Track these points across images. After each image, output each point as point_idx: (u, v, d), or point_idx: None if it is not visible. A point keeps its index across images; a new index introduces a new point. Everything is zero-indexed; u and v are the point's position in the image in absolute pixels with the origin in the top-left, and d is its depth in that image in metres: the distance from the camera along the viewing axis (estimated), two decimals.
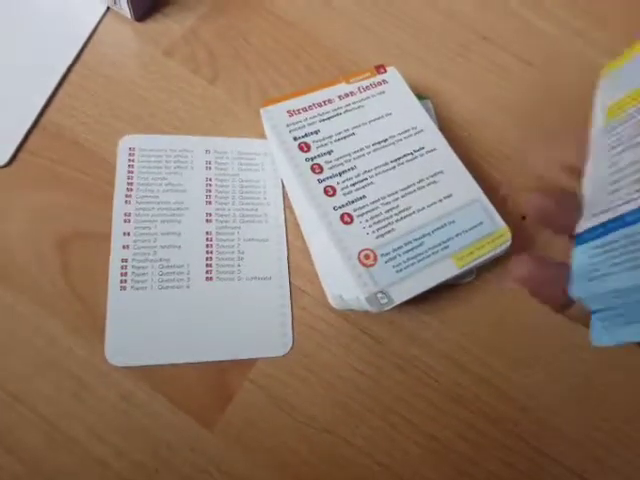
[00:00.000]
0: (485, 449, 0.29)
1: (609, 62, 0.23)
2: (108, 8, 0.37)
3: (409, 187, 0.32)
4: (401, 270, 0.29)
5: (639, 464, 0.30)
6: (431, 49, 0.41)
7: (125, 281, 0.30)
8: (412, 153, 0.33)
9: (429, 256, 0.29)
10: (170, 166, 0.33)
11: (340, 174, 0.31)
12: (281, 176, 0.34)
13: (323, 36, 0.39)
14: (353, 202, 0.31)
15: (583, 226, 0.20)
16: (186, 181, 0.33)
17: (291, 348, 0.30)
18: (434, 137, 0.34)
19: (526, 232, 0.35)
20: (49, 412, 0.27)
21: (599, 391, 0.31)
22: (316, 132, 0.33)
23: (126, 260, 0.30)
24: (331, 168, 0.32)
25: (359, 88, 0.35)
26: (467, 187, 0.32)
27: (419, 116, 0.34)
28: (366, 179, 0.31)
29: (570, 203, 0.21)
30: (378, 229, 0.30)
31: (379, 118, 0.34)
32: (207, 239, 0.32)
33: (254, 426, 0.28)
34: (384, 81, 0.35)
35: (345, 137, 0.33)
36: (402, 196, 0.31)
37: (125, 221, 0.31)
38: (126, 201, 0.32)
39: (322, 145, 0.32)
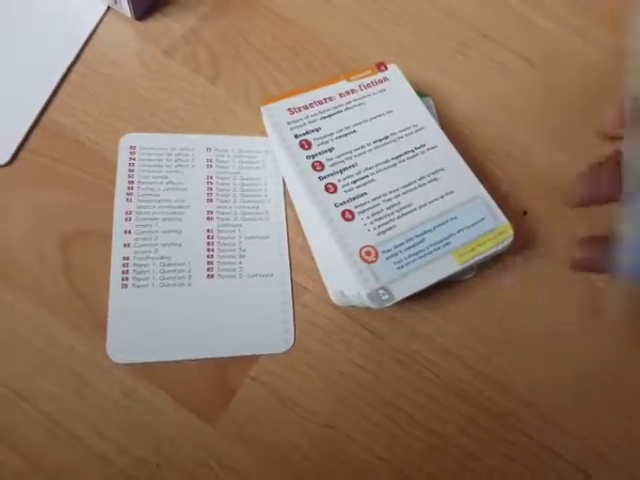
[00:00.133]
0: (487, 444, 0.29)
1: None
2: (109, 7, 0.38)
3: (410, 184, 0.32)
4: (402, 266, 0.29)
5: None
6: (431, 47, 0.41)
7: (126, 279, 0.30)
8: (413, 150, 0.33)
9: (430, 252, 0.30)
10: (171, 164, 0.33)
11: (341, 171, 0.31)
12: (282, 173, 0.34)
13: (323, 34, 0.40)
14: (354, 199, 0.31)
15: None
16: (187, 179, 0.33)
17: (293, 344, 0.30)
18: (435, 134, 0.34)
19: (528, 228, 0.35)
20: (51, 409, 0.27)
21: (602, 387, 0.31)
22: (317, 130, 0.33)
23: (127, 258, 0.30)
24: (332, 165, 0.32)
25: (360, 86, 0.35)
26: (468, 184, 0.32)
27: (420, 113, 0.34)
28: (367, 176, 0.31)
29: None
30: (379, 226, 0.30)
31: (380, 115, 0.34)
32: (208, 237, 0.32)
33: (256, 422, 0.28)
34: (385, 79, 0.35)
35: (346, 134, 0.33)
36: (403, 193, 0.31)
37: (126, 219, 0.31)
38: (127, 199, 0.32)
39: (323, 143, 0.32)
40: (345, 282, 0.30)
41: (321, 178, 0.31)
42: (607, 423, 0.30)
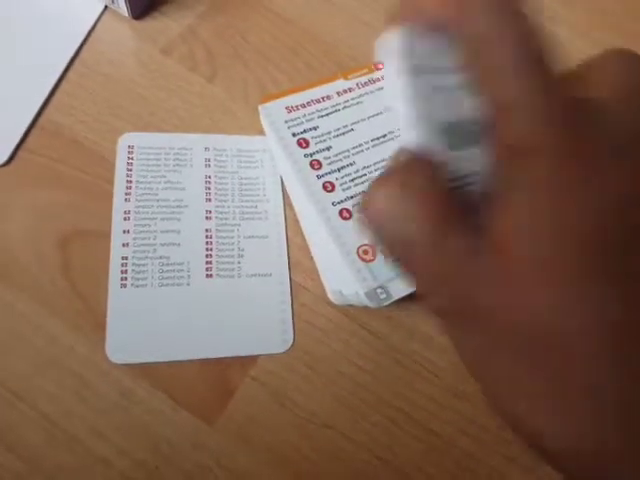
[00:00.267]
0: (486, 444, 0.29)
1: None
2: (106, 7, 0.38)
3: None
4: None
5: None
6: None
7: (125, 279, 0.30)
8: None
9: None
10: (169, 164, 0.33)
11: (339, 170, 0.31)
12: (280, 172, 0.34)
13: (322, 32, 0.39)
14: (352, 197, 0.31)
15: None
16: (185, 179, 0.33)
17: (292, 344, 0.30)
18: None
19: None
20: (50, 410, 0.27)
21: None
22: (315, 128, 0.33)
23: (126, 258, 0.30)
24: (330, 164, 0.32)
25: (357, 84, 0.35)
26: None
27: None
28: (365, 175, 0.31)
29: None
30: None
31: (378, 114, 0.34)
32: (207, 236, 0.32)
33: (255, 422, 0.28)
34: (383, 77, 0.35)
35: (344, 133, 0.33)
36: None
37: (125, 219, 0.31)
38: (126, 199, 0.32)
39: (321, 141, 0.32)
40: (343, 281, 0.29)
41: (319, 177, 0.31)
42: None
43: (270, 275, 0.31)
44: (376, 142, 0.33)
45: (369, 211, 0.17)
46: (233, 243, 0.32)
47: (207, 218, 0.32)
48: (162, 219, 0.32)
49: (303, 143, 0.32)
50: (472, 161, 0.18)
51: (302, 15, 0.40)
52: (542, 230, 0.14)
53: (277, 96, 0.34)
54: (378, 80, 0.35)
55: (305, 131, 0.33)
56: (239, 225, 0.32)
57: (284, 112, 0.33)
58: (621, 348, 0.14)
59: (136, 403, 0.28)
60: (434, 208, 0.16)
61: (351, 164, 0.32)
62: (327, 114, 0.33)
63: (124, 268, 0.30)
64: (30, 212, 0.31)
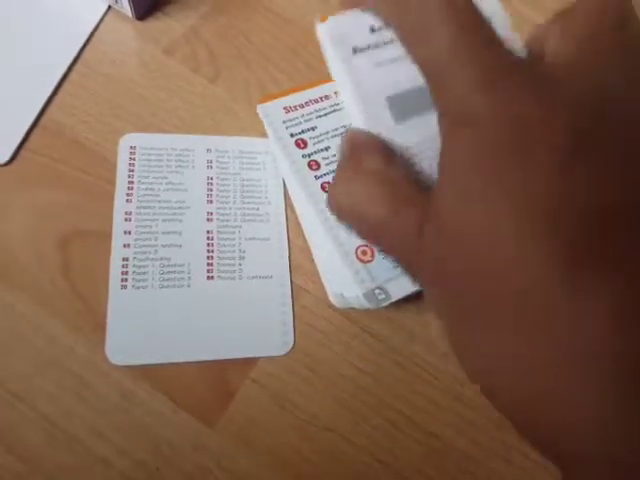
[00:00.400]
0: (486, 447, 0.29)
1: None
2: (109, 7, 0.37)
3: None
4: (399, 266, 0.29)
5: None
6: None
7: (126, 280, 0.30)
8: None
9: None
10: (171, 165, 0.33)
11: None
12: (282, 174, 0.34)
13: None
14: None
15: None
16: (187, 180, 0.33)
17: (292, 347, 0.30)
18: None
19: None
20: (50, 411, 0.27)
21: None
22: (313, 128, 0.33)
23: (127, 259, 0.30)
24: (328, 164, 0.32)
25: None
26: None
27: None
28: None
29: None
30: None
31: None
32: (208, 238, 0.32)
33: (255, 424, 0.28)
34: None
35: (342, 133, 0.33)
36: None
37: (126, 220, 0.31)
38: (127, 200, 0.32)
39: (319, 141, 0.32)
40: (344, 284, 0.29)
41: (317, 177, 0.31)
42: None
43: (271, 277, 0.31)
44: None
45: (330, 197, 0.18)
46: (234, 245, 0.32)
47: (208, 220, 0.32)
48: (163, 220, 0.32)
49: (301, 144, 0.32)
50: (419, 129, 0.18)
51: (303, 15, 0.40)
52: (473, 197, 0.14)
53: (276, 96, 0.34)
54: None
55: (303, 131, 0.33)
56: (240, 227, 0.32)
57: (282, 112, 0.33)
58: (573, 300, 0.13)
59: (136, 404, 0.28)
60: (384, 188, 0.16)
61: None
62: (325, 114, 0.33)
63: (125, 269, 0.30)
64: (31, 212, 0.31)
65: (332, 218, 0.30)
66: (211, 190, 0.33)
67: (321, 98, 0.34)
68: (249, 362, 0.29)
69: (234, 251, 0.32)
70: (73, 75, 0.35)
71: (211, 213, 0.32)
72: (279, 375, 0.29)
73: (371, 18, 0.23)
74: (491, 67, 0.14)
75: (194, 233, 0.32)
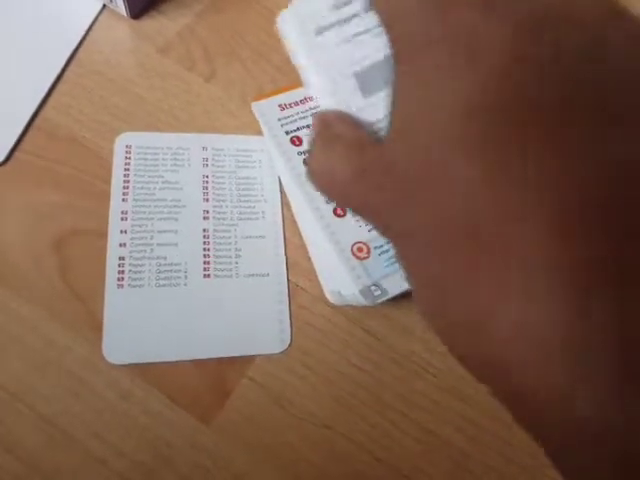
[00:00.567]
0: (485, 444, 0.29)
1: None
2: (104, 6, 0.37)
3: None
4: (394, 262, 0.29)
5: None
6: None
7: (122, 279, 0.30)
8: None
9: None
10: (167, 163, 0.33)
11: None
12: (277, 172, 0.34)
13: None
14: None
15: None
16: (183, 178, 0.33)
17: (289, 345, 0.30)
18: None
19: None
20: (48, 411, 0.27)
21: None
22: (308, 126, 0.33)
23: (123, 258, 0.30)
24: None
25: None
26: None
27: None
28: None
29: None
30: None
31: None
32: (204, 236, 0.32)
33: (253, 422, 0.28)
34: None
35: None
36: None
37: (122, 219, 0.31)
38: (123, 199, 0.32)
39: None
40: (340, 281, 0.29)
41: None
42: None
43: (267, 275, 0.31)
44: None
45: (307, 168, 0.19)
46: (230, 243, 0.32)
47: (205, 218, 0.32)
48: (159, 219, 0.32)
49: (296, 141, 0.32)
50: (386, 101, 0.18)
51: None
52: (415, 135, 0.15)
53: (270, 94, 0.34)
54: None
55: (298, 129, 0.32)
56: (237, 225, 0.32)
57: (277, 110, 0.33)
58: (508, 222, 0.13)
59: (134, 403, 0.28)
60: (350, 150, 0.17)
61: None
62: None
63: (121, 268, 0.30)
64: (27, 212, 0.31)
65: (328, 215, 0.30)
66: (207, 188, 0.33)
67: None
68: (246, 360, 0.29)
69: (230, 249, 0.32)
70: (68, 74, 0.35)
71: (207, 211, 0.32)
72: (276, 373, 0.29)
73: None
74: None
75: (190, 231, 0.32)
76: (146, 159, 0.33)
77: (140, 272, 0.30)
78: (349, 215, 0.30)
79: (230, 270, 0.31)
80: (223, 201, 0.33)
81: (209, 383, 0.29)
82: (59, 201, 0.31)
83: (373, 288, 0.28)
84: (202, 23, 0.38)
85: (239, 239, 0.32)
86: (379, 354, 0.30)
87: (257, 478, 0.27)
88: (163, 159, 0.33)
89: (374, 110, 0.18)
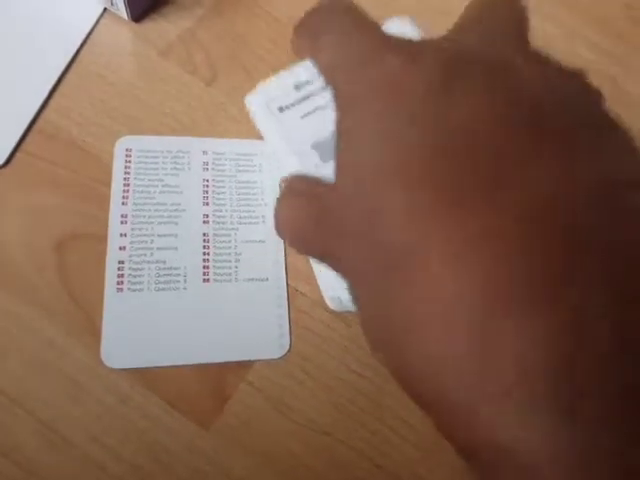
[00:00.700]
0: None
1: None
2: (105, 9, 0.37)
3: None
4: None
5: None
6: None
7: (122, 282, 0.30)
8: None
9: None
10: (167, 167, 0.33)
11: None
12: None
13: None
14: None
15: None
16: (183, 182, 0.33)
17: (288, 350, 0.30)
18: None
19: None
20: (46, 415, 0.27)
21: None
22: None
23: (123, 262, 0.30)
24: None
25: None
26: None
27: None
28: None
29: None
30: None
31: None
32: (204, 240, 0.32)
33: (251, 428, 0.28)
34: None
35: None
36: None
37: (122, 222, 0.31)
38: (123, 202, 0.32)
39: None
40: (340, 286, 0.29)
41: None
42: None
43: (267, 280, 0.31)
44: None
45: (274, 220, 0.21)
46: (230, 247, 0.32)
47: (204, 222, 0.32)
48: (159, 223, 0.32)
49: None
50: None
51: (299, 18, 0.40)
52: (360, 167, 0.16)
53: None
54: None
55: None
56: (237, 229, 0.32)
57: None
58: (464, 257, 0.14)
59: (132, 408, 0.28)
60: (309, 206, 0.19)
61: None
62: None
63: (121, 272, 0.30)
64: (26, 214, 0.31)
65: None
66: (207, 192, 0.33)
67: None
68: (245, 365, 0.29)
69: (230, 254, 0.32)
70: (69, 77, 0.35)
71: (207, 215, 0.32)
72: (275, 378, 0.29)
73: (295, 77, 0.29)
74: (372, 46, 0.17)
75: (190, 236, 0.31)
76: (146, 162, 0.33)
77: (140, 276, 0.30)
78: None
79: (230, 274, 0.31)
80: (223, 205, 0.33)
81: (208, 388, 0.29)
82: (59, 204, 0.31)
83: None
84: (203, 27, 0.38)
85: (239, 243, 0.32)
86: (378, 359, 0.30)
87: None
88: (163, 163, 0.33)
89: (332, 173, 0.21)
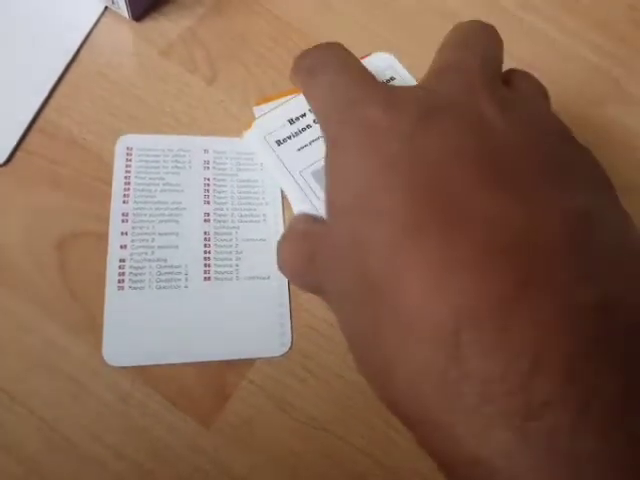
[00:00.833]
0: None
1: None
2: (106, 8, 0.37)
3: None
4: None
5: None
6: (430, 50, 0.41)
7: (123, 281, 0.30)
8: None
9: None
10: (168, 166, 0.33)
11: None
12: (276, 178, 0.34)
13: (321, 36, 0.39)
14: None
15: None
16: (184, 181, 0.33)
17: (290, 348, 0.30)
18: None
19: None
20: (46, 413, 0.27)
21: None
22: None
23: (124, 260, 0.30)
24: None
25: None
26: None
27: None
28: None
29: None
30: None
31: None
32: (205, 239, 0.32)
33: (252, 426, 0.28)
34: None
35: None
36: None
37: (123, 221, 0.31)
38: (124, 201, 0.32)
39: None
40: None
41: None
42: None
43: (268, 278, 0.31)
44: None
45: (277, 259, 0.23)
46: (231, 246, 0.32)
47: (205, 221, 0.32)
48: (160, 221, 0.32)
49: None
50: None
51: (302, 19, 0.40)
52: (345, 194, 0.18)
53: (271, 98, 0.34)
54: None
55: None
56: (238, 228, 0.32)
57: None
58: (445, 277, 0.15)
59: (133, 406, 0.28)
60: (304, 245, 0.21)
61: None
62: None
63: (122, 270, 0.30)
64: (27, 213, 0.31)
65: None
66: (208, 191, 0.33)
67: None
68: (246, 363, 0.29)
69: (231, 252, 0.32)
70: (69, 76, 0.35)
71: (208, 214, 0.32)
72: (276, 376, 0.29)
73: (288, 112, 0.32)
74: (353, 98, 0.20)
75: (191, 234, 0.31)
76: (147, 161, 0.33)
77: (141, 274, 0.30)
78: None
79: (231, 273, 0.31)
80: (224, 204, 0.33)
81: (209, 386, 0.29)
82: (60, 202, 0.31)
83: None
84: (204, 26, 0.38)
85: (240, 242, 0.32)
86: None
87: None
88: (164, 161, 0.33)
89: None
